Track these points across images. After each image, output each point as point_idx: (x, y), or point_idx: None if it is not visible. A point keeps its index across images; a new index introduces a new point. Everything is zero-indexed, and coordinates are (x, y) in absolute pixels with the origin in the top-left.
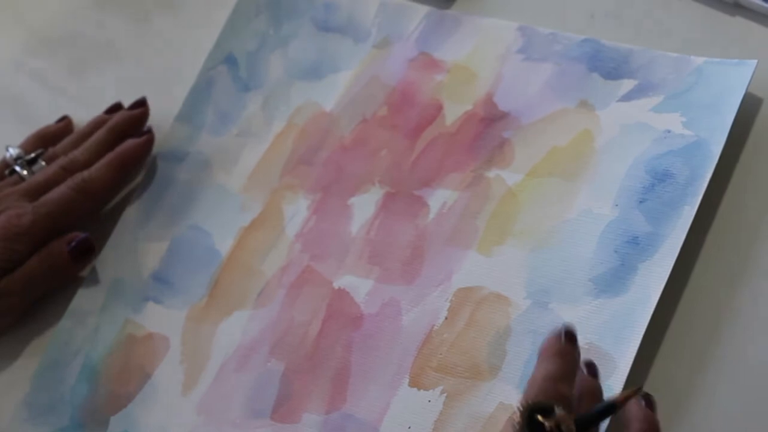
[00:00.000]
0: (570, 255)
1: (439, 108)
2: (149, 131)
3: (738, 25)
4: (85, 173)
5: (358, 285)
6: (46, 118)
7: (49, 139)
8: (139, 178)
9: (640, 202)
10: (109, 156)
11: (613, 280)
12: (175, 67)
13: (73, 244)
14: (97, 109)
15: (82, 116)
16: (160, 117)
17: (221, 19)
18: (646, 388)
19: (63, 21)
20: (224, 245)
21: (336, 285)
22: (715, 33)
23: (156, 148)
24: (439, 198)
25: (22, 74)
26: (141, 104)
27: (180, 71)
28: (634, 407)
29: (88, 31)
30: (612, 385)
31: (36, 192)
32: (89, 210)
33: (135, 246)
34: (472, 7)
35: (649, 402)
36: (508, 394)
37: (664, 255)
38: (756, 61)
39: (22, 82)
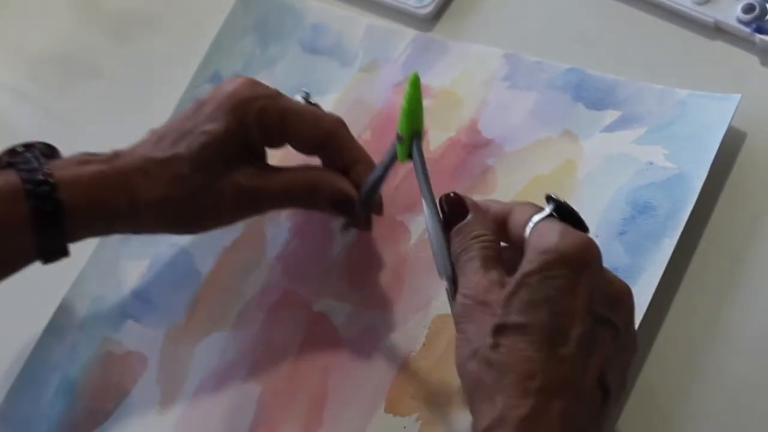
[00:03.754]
0: None
1: (424, 133)
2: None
3: (718, 49)
4: None
5: (338, 309)
6: (28, 136)
7: None
8: None
9: (620, 234)
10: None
11: None
12: (157, 86)
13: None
14: (80, 128)
15: (65, 135)
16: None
17: (203, 38)
18: (627, 416)
19: (46, 40)
20: (205, 265)
21: (315, 308)
22: (695, 57)
23: None
24: (421, 224)
25: (3, 92)
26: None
27: (162, 90)
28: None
29: (72, 49)
30: None
31: None
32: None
33: (117, 263)
34: (454, 29)
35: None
36: None
37: (643, 288)
38: (739, 96)
39: (4, 101)
